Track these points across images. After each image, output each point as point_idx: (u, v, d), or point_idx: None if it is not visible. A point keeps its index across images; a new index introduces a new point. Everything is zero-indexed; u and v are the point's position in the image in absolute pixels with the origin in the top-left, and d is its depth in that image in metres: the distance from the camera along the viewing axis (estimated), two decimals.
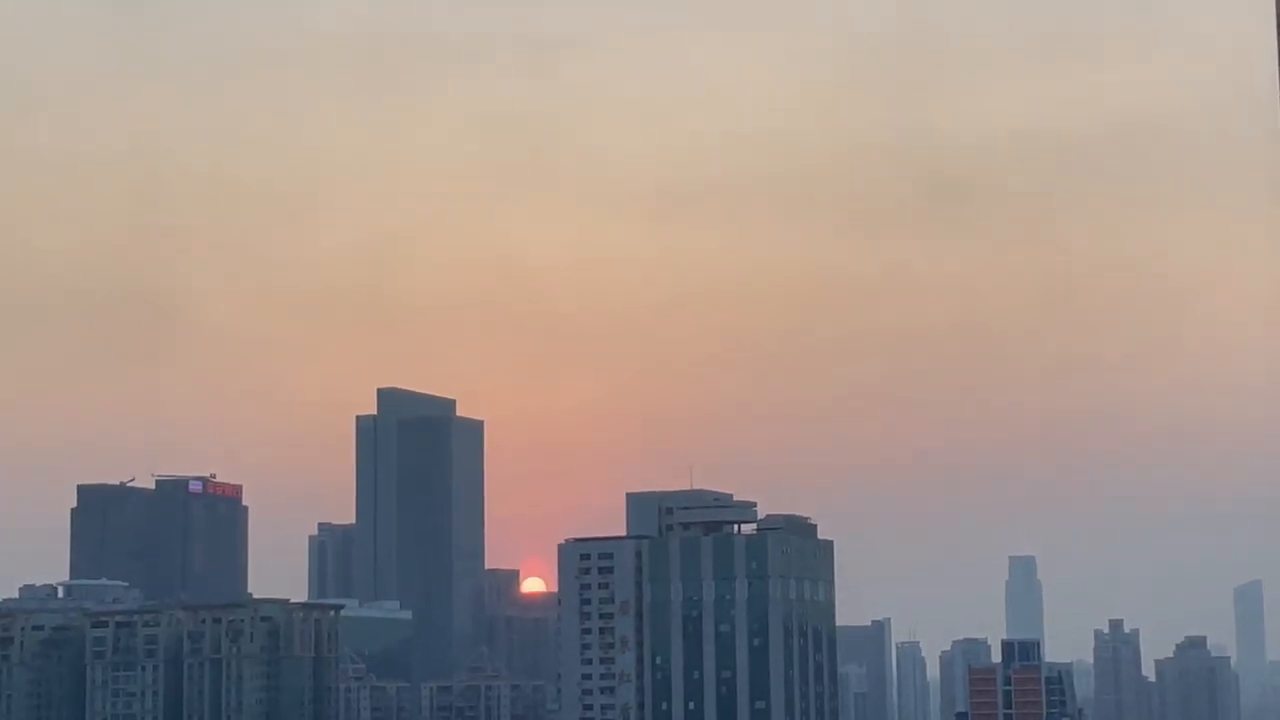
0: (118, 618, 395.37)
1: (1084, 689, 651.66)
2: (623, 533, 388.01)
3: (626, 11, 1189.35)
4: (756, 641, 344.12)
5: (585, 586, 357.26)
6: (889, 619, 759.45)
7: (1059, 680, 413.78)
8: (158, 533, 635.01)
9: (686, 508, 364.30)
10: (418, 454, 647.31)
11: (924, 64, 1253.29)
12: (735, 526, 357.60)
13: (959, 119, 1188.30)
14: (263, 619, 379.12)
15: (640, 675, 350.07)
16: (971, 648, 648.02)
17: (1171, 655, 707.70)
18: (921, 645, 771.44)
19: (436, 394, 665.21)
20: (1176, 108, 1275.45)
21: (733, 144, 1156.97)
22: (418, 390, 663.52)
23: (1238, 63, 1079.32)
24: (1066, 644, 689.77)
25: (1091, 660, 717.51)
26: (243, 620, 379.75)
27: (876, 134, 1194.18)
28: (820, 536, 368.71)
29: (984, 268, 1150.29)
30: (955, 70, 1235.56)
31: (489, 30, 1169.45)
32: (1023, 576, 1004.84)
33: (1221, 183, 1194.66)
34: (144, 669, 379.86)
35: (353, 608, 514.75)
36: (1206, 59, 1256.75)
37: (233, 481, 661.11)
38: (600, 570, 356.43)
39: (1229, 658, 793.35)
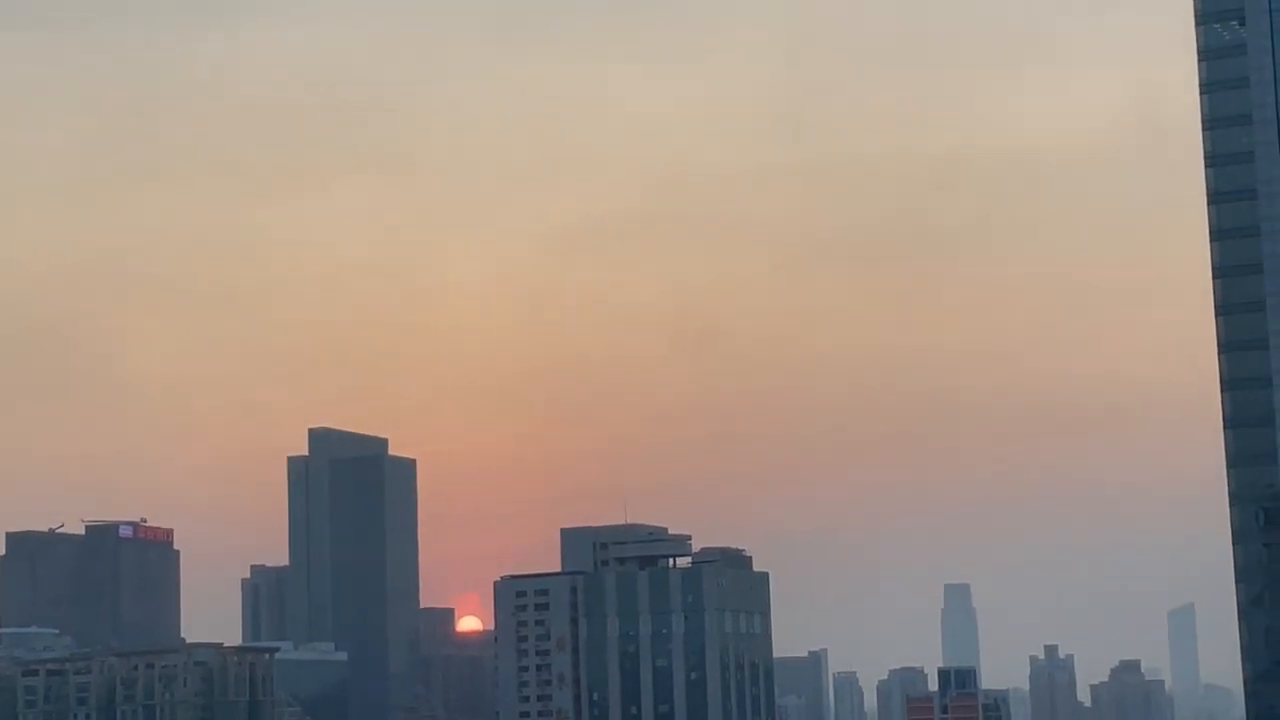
0: (49, 666, 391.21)
1: (1021, 715, 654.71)
2: (558, 569, 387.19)
3: (544, 48, 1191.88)
4: (694, 675, 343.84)
5: (521, 624, 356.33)
6: (825, 650, 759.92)
7: (996, 707, 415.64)
8: (88, 579, 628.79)
9: (621, 542, 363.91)
10: (350, 494, 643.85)
11: (846, 94, 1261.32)
12: (670, 560, 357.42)
13: (882, 147, 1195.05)
14: (196, 664, 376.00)
15: (578, 712, 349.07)
16: (908, 677, 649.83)
17: (1106, 680, 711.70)
18: (859, 675, 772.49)
19: (368, 433, 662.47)
20: (1101, 132, 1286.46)
21: (657, 176, 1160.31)
22: (349, 430, 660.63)
23: (1160, 87, 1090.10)
24: (1003, 671, 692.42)
25: (1028, 687, 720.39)
26: (176, 665, 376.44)
27: (799, 165, 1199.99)
28: (755, 568, 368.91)
29: (912, 297, 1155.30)
30: (877, 99, 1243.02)
31: (413, 70, 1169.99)
32: (958, 604, 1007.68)
33: (1145, 205, 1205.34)
34: (76, 717, 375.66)
35: (287, 650, 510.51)
36: (1129, 83, 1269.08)
37: (164, 525, 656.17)
38: (536, 607, 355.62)
39: (1163, 681, 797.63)
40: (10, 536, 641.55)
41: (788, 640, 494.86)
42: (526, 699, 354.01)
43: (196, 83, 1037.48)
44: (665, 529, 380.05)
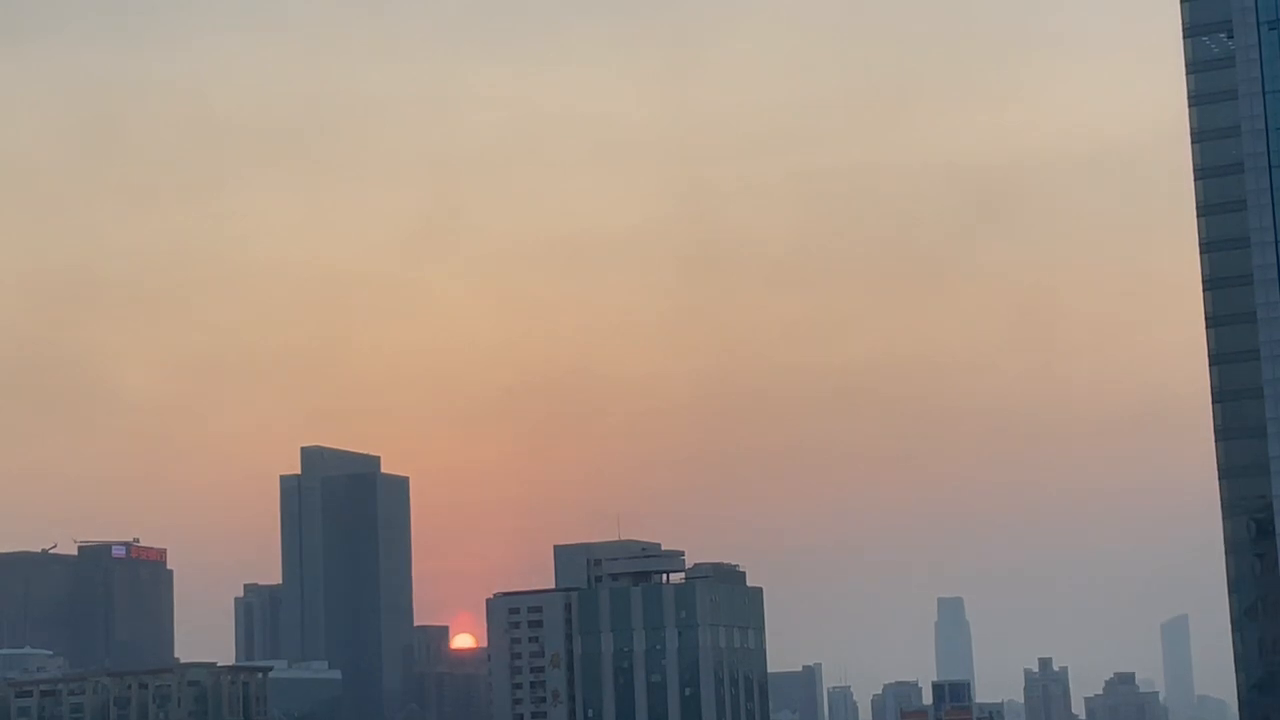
0: (42, 686, 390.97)
1: None
2: (551, 585, 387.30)
3: (540, 56, 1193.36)
4: (688, 691, 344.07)
5: (515, 640, 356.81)
6: (820, 664, 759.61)
7: None
8: (81, 599, 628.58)
9: (614, 558, 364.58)
10: (343, 512, 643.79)
11: (835, 102, 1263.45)
12: (664, 576, 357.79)
13: (873, 156, 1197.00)
14: (190, 683, 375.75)
15: None
16: (903, 690, 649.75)
17: (1100, 692, 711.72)
18: (853, 689, 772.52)
19: (361, 451, 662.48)
20: (1091, 142, 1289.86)
21: (647, 190, 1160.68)
22: (342, 448, 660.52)
23: (1150, 101, 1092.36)
24: (997, 684, 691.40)
25: (1022, 699, 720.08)
26: (170, 685, 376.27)
27: (791, 174, 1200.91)
28: (749, 583, 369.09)
29: (902, 308, 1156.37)
30: (869, 106, 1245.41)
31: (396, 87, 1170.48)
32: (951, 618, 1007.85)
33: (1136, 216, 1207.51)
34: None
35: (281, 669, 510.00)
36: (1120, 97, 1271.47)
37: (157, 545, 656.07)
38: (530, 624, 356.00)
39: (1157, 693, 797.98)
40: (3, 557, 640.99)
41: (782, 655, 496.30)
42: (521, 716, 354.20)
43: (175, 96, 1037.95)
44: (658, 545, 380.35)
